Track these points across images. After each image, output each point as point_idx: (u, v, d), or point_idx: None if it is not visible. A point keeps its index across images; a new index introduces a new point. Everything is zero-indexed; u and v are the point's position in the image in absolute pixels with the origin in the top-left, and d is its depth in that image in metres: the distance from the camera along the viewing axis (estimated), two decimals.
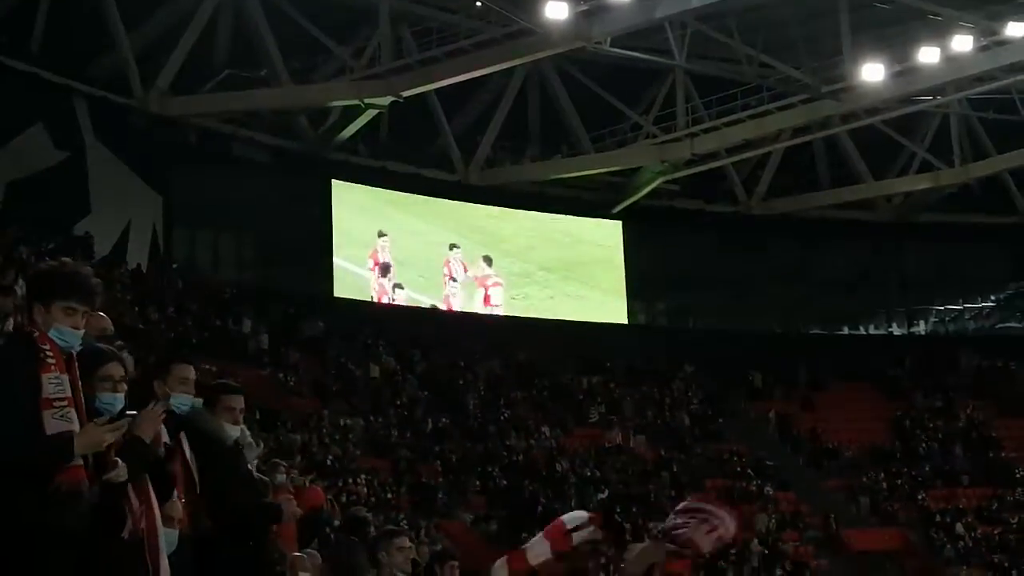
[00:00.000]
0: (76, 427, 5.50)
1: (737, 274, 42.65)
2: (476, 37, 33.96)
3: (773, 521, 35.08)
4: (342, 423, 31.85)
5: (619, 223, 41.58)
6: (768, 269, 43.04)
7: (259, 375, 31.79)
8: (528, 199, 40.58)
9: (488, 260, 39.81)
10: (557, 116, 40.08)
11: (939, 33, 33.88)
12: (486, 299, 39.78)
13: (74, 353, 5.69)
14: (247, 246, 38.01)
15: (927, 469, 38.51)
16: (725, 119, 37.25)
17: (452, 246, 39.43)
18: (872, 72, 33.93)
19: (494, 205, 40.08)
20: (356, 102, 35.21)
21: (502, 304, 39.88)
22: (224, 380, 7.36)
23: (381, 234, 38.54)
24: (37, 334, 5.61)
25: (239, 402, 7.45)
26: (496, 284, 39.83)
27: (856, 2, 34.62)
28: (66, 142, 33.25)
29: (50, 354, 5.55)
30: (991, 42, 33.61)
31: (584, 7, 31.65)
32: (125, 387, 6.01)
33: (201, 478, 7.02)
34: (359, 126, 36.61)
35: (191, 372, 7.11)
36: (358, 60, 35.94)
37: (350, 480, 28.76)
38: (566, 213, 41.18)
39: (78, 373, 5.67)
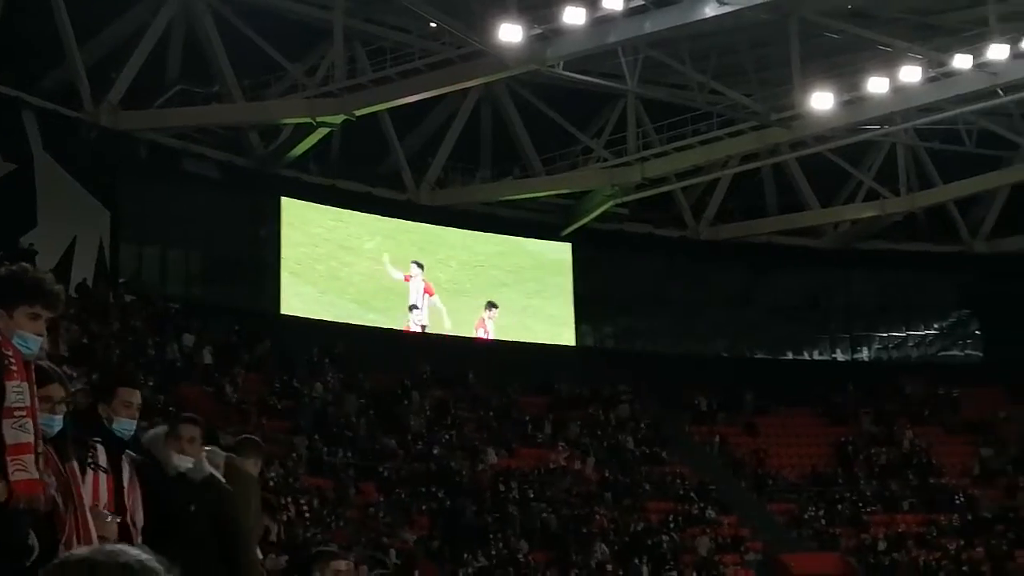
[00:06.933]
0: (31, 438, 5.43)
1: (684, 298, 43.09)
2: (430, 58, 34.01)
3: (714, 544, 35.29)
4: (285, 441, 31.78)
5: (569, 245, 41.76)
6: (715, 294, 43.46)
7: (203, 392, 31.71)
8: (479, 220, 40.68)
9: (492, 304, 40.11)
10: (509, 138, 40.24)
11: (888, 63, 34.26)
12: (486, 331, 40.17)
13: (32, 361, 5.60)
14: (195, 262, 37.91)
15: (868, 494, 38.87)
16: (675, 144, 37.56)
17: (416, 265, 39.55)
18: (821, 100, 34.24)
19: (444, 225, 40.13)
20: (308, 120, 35.20)
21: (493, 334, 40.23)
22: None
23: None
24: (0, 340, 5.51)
25: (136, 396, 7.00)
26: (491, 318, 40.15)
27: (806, 31, 34.96)
28: (14, 154, 33.05)
29: (13, 361, 5.46)
30: (939, 73, 34.04)
31: (538, 30, 31.79)
32: (64, 408, 5.96)
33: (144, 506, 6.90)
34: (310, 144, 36.62)
35: (136, 396, 6.96)
36: (311, 78, 35.99)
37: (291, 499, 28.70)
38: (516, 235, 41.32)
39: (34, 379, 5.59)
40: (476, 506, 33.32)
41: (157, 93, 35.50)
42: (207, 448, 7.91)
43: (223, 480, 7.81)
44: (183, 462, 7.37)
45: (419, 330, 39.16)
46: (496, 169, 40.77)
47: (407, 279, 39.24)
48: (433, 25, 34.42)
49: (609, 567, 32.82)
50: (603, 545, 33.49)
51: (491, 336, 40.14)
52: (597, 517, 34.76)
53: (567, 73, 34.66)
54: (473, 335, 39.85)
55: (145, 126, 35.36)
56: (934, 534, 37.34)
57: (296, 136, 36.51)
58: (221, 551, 7.59)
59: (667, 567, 33.69)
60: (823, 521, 37.52)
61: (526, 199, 40.66)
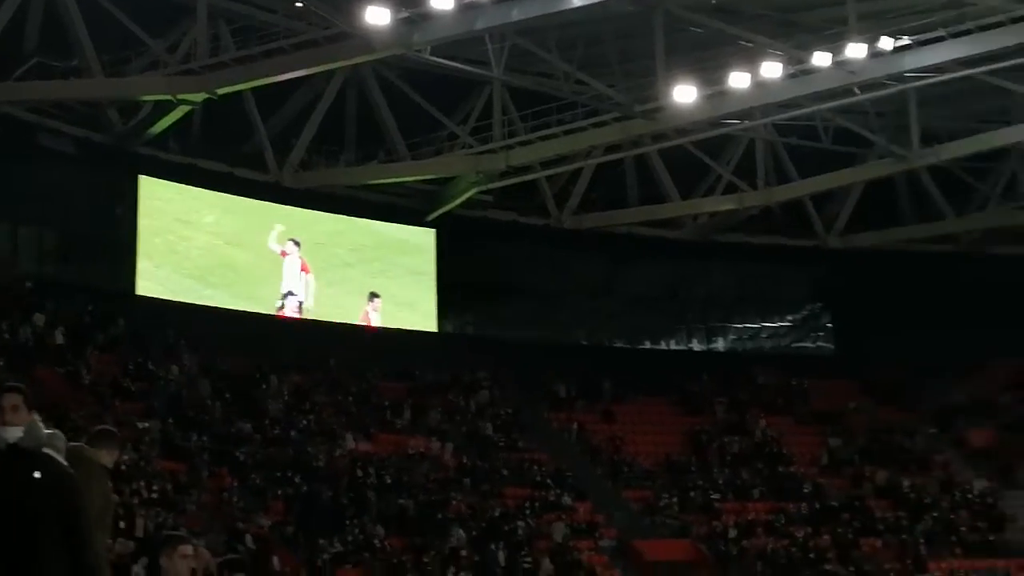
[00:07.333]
0: None
1: (546, 286, 43.39)
2: (295, 38, 33.61)
3: (569, 530, 35.57)
4: (138, 424, 31.22)
5: (432, 231, 41.67)
6: (576, 283, 43.86)
7: (54, 373, 31.00)
8: (342, 203, 40.40)
9: (374, 295, 39.97)
10: (374, 121, 40.00)
11: (750, 59, 34.72)
12: (369, 323, 40.12)
13: None
14: (48, 239, 37.00)
15: (720, 483, 39.54)
16: (540, 133, 37.74)
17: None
18: (684, 94, 34.57)
19: (307, 208, 39.71)
20: (168, 97, 34.57)
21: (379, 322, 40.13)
22: None
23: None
24: None
25: None
26: (375, 309, 40.06)
27: (671, 24, 35.26)
28: None
29: None
30: (798, 70, 34.61)
31: (405, 14, 31.58)
32: None
33: None
34: (170, 122, 35.97)
35: None
36: (172, 55, 35.35)
37: (143, 483, 28.24)
38: (380, 219, 41.10)
39: None
40: (333, 491, 33.14)
41: (13, 65, 34.54)
42: (49, 432, 7.58)
43: (64, 463, 7.45)
44: (11, 433, 7.04)
45: (296, 313, 38.80)
46: (361, 152, 40.49)
47: (284, 255, 38.86)
48: (299, 5, 34.07)
49: (464, 553, 32.91)
50: (460, 530, 33.55)
51: (375, 327, 40.03)
52: (454, 503, 34.83)
53: (434, 58, 34.46)
54: (333, 320, 39.57)
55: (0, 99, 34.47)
56: (783, 522, 38.13)
57: (156, 113, 35.83)
58: (62, 534, 7.21)
59: (522, 553, 33.88)
60: (676, 508, 38.07)
61: (390, 184, 40.49)
